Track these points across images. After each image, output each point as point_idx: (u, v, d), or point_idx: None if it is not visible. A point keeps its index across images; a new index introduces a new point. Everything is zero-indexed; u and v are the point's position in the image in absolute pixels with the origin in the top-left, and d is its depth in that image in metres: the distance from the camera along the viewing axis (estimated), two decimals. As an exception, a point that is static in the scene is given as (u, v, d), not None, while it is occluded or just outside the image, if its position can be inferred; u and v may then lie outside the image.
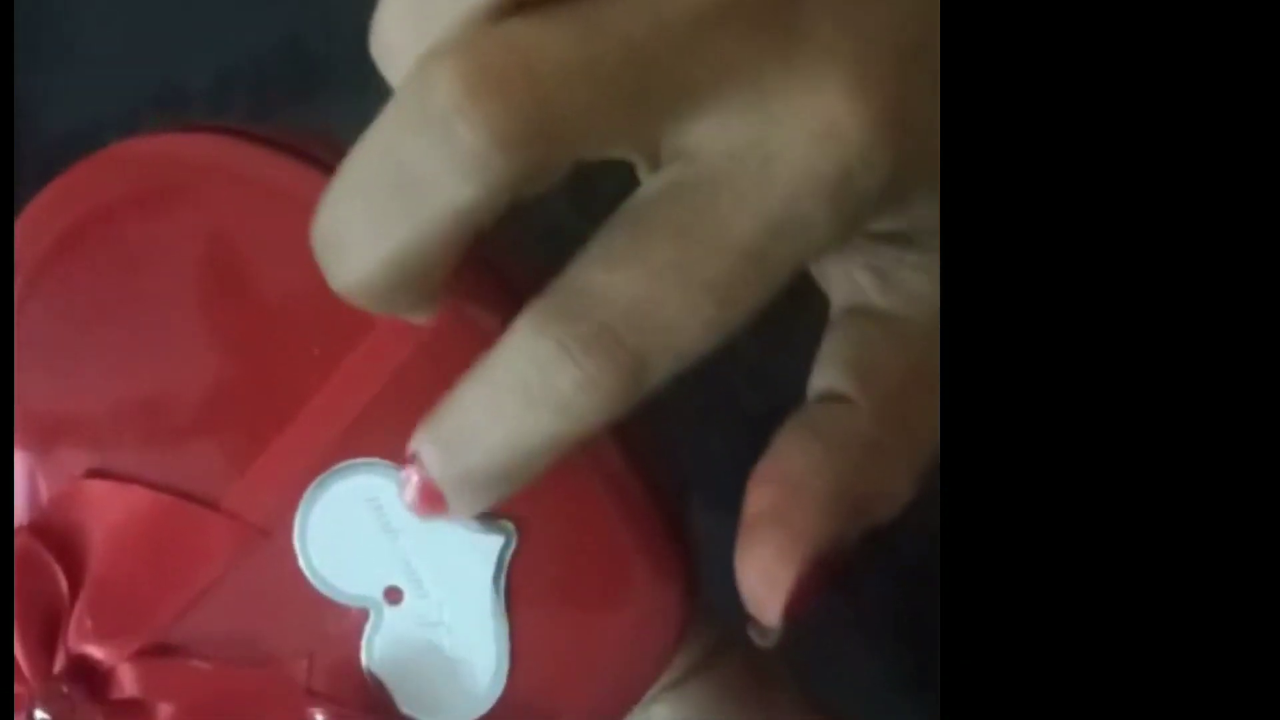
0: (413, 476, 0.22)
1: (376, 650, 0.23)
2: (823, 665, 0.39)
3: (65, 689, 0.22)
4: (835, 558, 0.23)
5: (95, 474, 0.23)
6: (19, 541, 0.23)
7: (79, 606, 0.23)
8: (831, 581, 0.23)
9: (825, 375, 0.27)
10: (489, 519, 0.22)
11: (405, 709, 0.23)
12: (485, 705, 0.23)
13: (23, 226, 0.24)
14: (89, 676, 0.23)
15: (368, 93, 0.39)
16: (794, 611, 0.23)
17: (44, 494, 0.23)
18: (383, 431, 0.22)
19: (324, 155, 0.23)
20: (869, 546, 0.40)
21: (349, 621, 0.23)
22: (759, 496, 0.24)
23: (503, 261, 0.24)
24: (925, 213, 0.26)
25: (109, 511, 0.23)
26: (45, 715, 0.22)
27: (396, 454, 0.22)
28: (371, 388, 0.22)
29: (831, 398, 0.26)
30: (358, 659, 0.23)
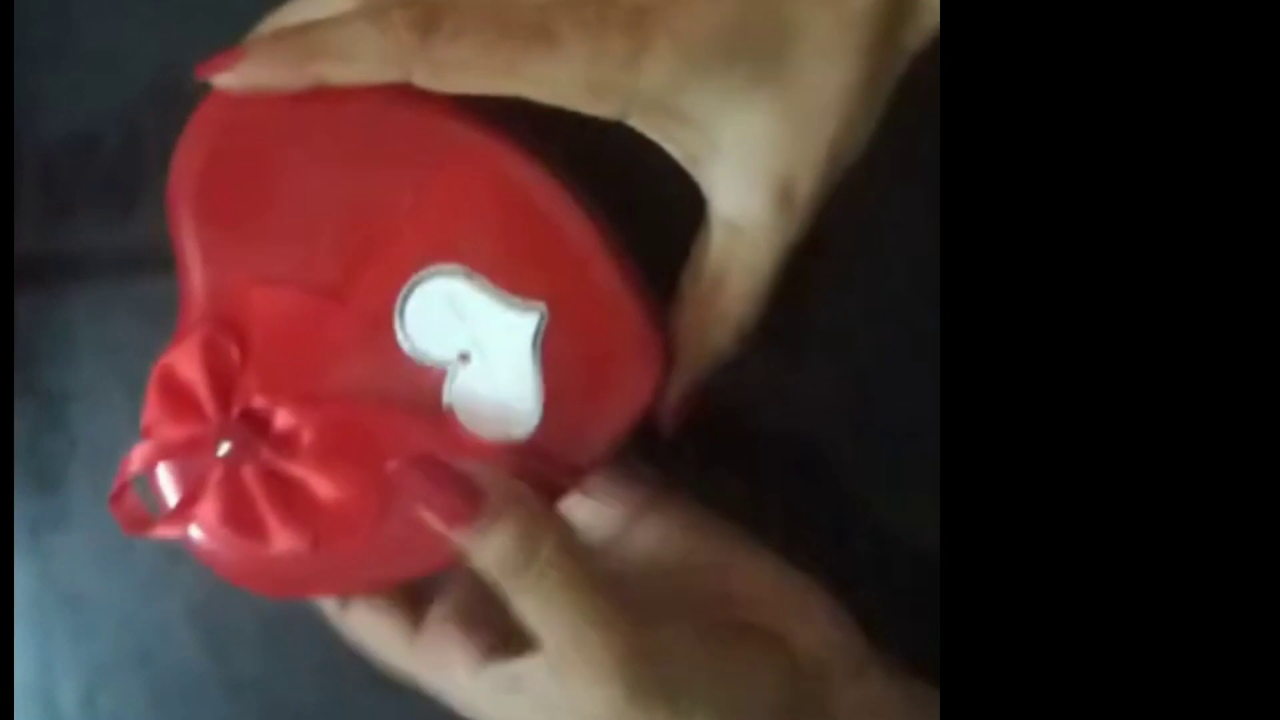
0: None
1: (453, 394, 0.33)
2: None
3: (239, 427, 0.33)
4: (695, 387, 0.35)
5: (257, 282, 0.33)
6: (203, 332, 0.33)
7: (248, 371, 0.33)
8: (699, 400, 0.35)
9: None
10: (528, 302, 0.33)
11: (471, 430, 0.33)
12: (527, 429, 0.33)
13: (196, 122, 0.34)
14: (254, 418, 0.33)
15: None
16: (677, 414, 0.35)
17: (220, 300, 0.33)
18: (456, 245, 0.33)
19: None
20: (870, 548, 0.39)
21: (434, 377, 0.33)
22: None
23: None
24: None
25: (268, 307, 0.33)
26: (227, 444, 0.33)
27: (467, 262, 0.33)
28: (446, 216, 0.32)
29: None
30: (440, 400, 0.33)
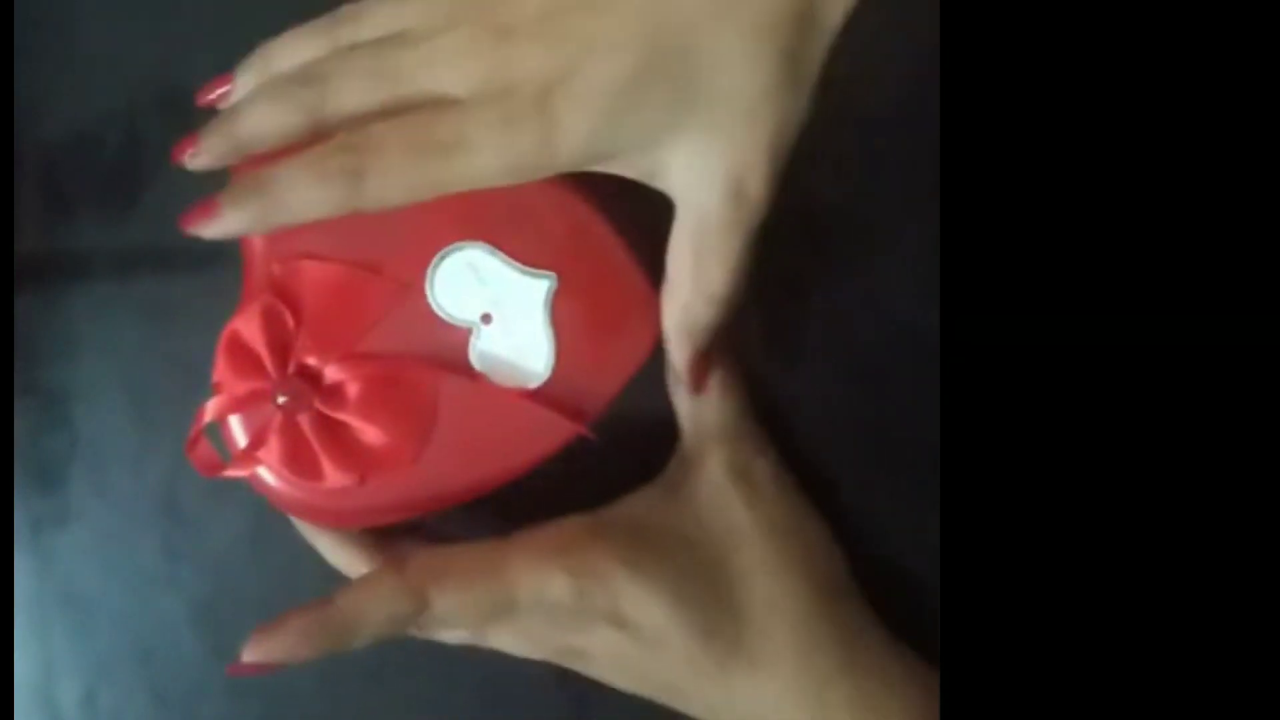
0: None
1: (476, 350, 0.38)
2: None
3: (295, 381, 0.38)
4: (700, 343, 0.38)
5: (306, 256, 0.38)
6: (263, 300, 0.38)
7: (301, 334, 0.38)
8: (706, 355, 0.39)
9: None
10: (540, 271, 0.38)
11: (492, 380, 0.38)
12: (541, 379, 0.38)
13: None
14: (307, 373, 0.38)
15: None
16: (694, 375, 0.39)
17: (275, 271, 0.38)
18: (479, 226, 0.38)
19: None
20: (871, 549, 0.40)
21: (460, 335, 0.38)
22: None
23: None
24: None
25: (318, 279, 0.38)
26: (285, 397, 0.38)
27: (488, 239, 0.38)
28: (470, 202, 0.36)
29: None
30: (466, 356, 0.38)
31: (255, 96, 0.36)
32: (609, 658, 0.38)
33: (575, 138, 0.34)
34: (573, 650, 0.38)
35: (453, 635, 0.39)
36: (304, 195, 0.35)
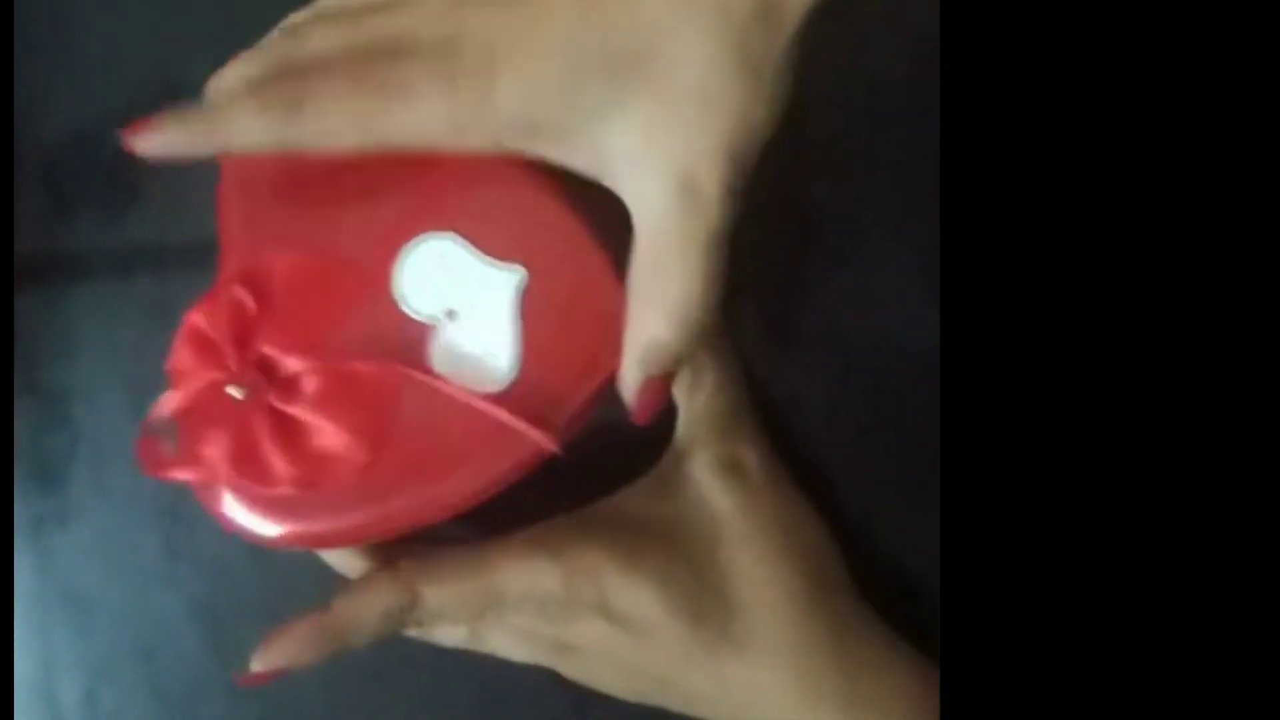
0: None
1: (439, 348, 0.37)
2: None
3: (250, 371, 0.36)
4: (653, 380, 0.36)
5: (280, 249, 0.37)
6: (227, 290, 0.37)
7: (266, 326, 0.37)
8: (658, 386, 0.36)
9: None
10: (510, 264, 0.37)
11: (453, 381, 0.36)
12: (503, 383, 0.36)
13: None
14: (265, 365, 0.37)
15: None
16: (642, 405, 0.37)
17: (247, 266, 0.37)
18: (450, 219, 0.37)
19: None
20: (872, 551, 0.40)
21: (424, 332, 0.37)
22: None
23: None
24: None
25: (287, 271, 0.37)
26: (239, 388, 0.36)
27: (458, 228, 0.37)
28: (440, 192, 0.37)
29: None
30: (427, 353, 0.37)
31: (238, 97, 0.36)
32: (600, 651, 0.38)
33: (514, 98, 0.34)
34: (565, 646, 0.38)
35: (448, 637, 0.39)
36: (244, 122, 0.35)
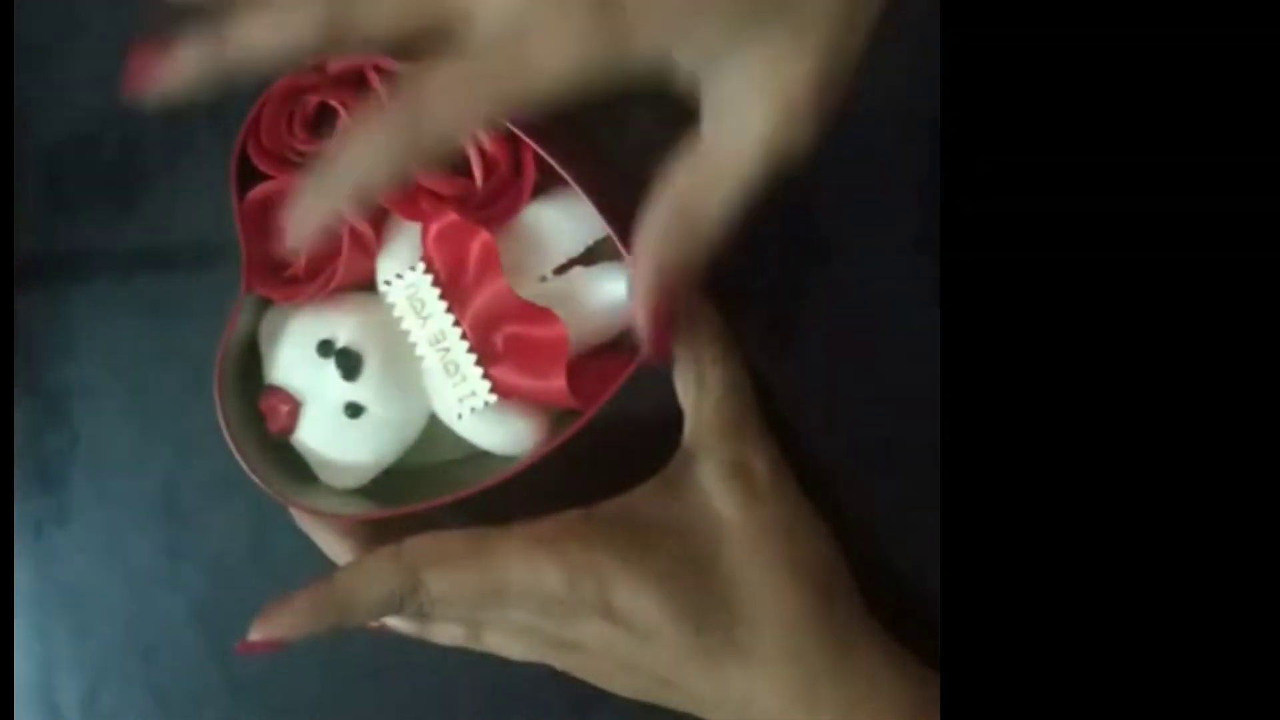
0: None
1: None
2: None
3: None
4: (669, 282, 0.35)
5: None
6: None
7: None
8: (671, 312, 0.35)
9: None
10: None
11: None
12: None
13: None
14: None
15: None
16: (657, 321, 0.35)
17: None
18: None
19: None
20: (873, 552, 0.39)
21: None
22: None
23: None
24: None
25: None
26: None
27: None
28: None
29: None
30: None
31: (257, 7, 0.33)
32: (601, 651, 0.38)
33: (642, 45, 0.31)
34: (565, 644, 0.38)
35: (447, 636, 0.39)
36: (368, 152, 0.31)
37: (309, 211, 0.32)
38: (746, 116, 0.33)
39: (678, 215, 0.34)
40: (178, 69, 0.33)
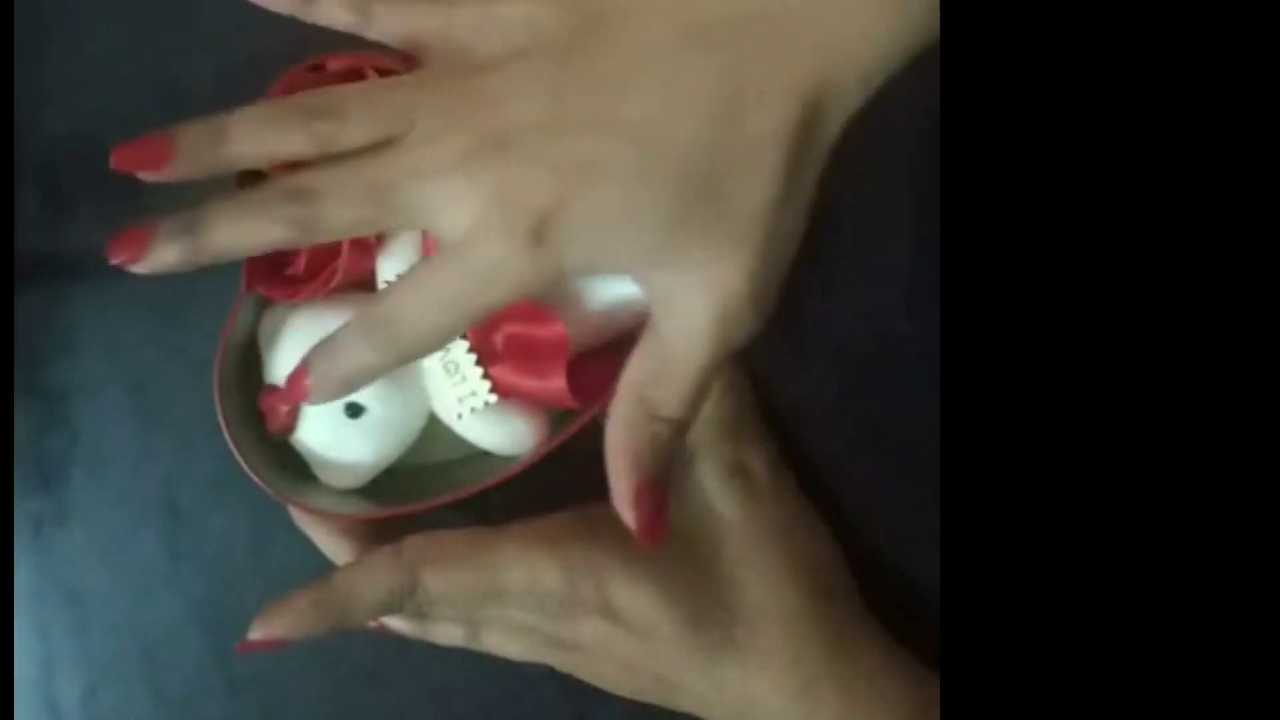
0: None
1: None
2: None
3: None
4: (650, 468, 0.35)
5: None
6: None
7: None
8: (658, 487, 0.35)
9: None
10: None
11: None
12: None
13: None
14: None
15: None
16: (642, 502, 0.35)
17: None
18: None
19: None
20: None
21: None
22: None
23: None
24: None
25: None
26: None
27: None
28: None
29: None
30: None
31: (229, 206, 0.35)
32: (600, 650, 0.38)
33: (574, 267, 0.33)
34: (564, 644, 0.38)
35: (446, 636, 0.39)
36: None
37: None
38: (691, 313, 0.34)
39: (640, 406, 0.35)
40: (157, 258, 0.35)
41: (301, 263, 0.39)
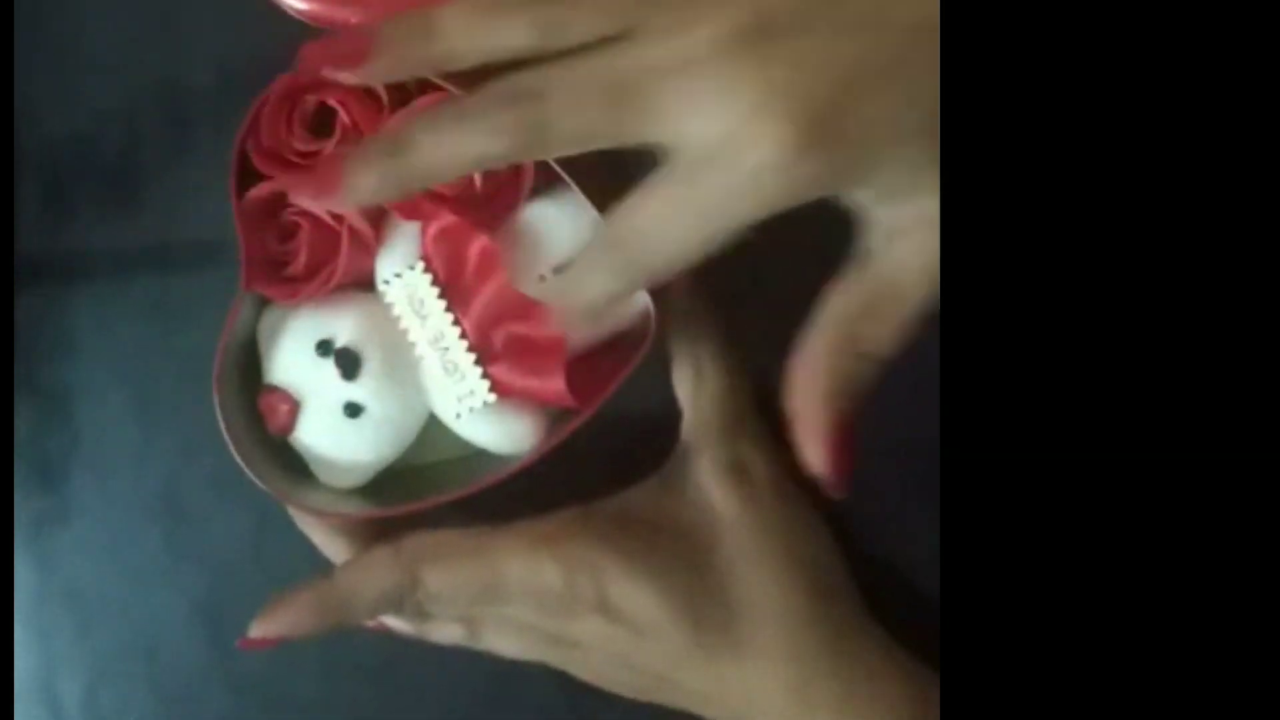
0: None
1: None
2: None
3: None
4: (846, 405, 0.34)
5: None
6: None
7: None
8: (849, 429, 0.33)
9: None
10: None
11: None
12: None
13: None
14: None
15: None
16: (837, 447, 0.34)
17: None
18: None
19: None
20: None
21: None
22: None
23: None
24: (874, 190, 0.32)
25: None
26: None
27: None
28: None
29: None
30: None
31: (438, 117, 0.32)
32: (599, 648, 0.38)
33: (839, 178, 0.31)
34: (563, 642, 0.38)
35: (445, 634, 0.39)
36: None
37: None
38: (918, 250, 0.32)
39: (849, 340, 0.33)
40: (355, 188, 0.32)
41: (301, 262, 0.39)
